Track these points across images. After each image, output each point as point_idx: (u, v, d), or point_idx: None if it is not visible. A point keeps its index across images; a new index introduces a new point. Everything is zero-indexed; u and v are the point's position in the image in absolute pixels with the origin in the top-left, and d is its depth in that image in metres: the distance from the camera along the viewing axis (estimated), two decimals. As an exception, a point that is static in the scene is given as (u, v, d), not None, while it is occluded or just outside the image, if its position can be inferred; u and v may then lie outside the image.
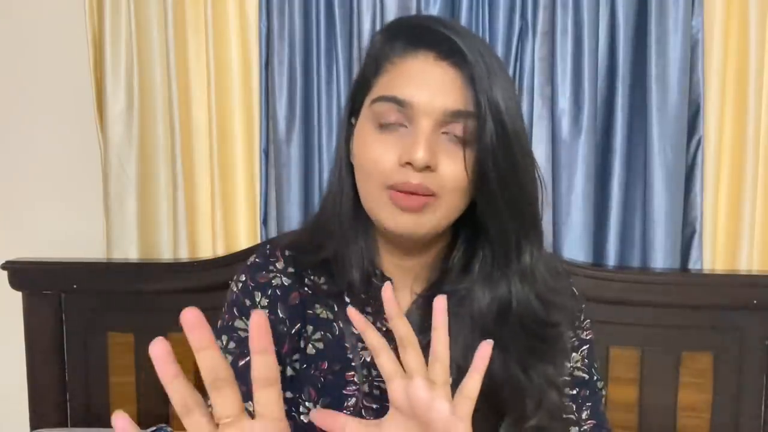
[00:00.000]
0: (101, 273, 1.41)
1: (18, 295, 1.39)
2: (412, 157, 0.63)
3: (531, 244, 0.70)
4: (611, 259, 1.37)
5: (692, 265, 1.36)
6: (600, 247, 1.38)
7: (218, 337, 0.75)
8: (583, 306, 0.81)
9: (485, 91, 0.64)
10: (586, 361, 0.80)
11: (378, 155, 0.66)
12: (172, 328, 1.39)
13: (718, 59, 1.32)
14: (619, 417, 1.31)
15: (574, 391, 0.78)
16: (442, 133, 0.66)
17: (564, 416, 0.74)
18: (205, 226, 1.45)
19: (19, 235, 1.52)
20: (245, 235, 1.44)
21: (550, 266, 0.74)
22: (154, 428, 1.30)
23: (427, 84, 0.65)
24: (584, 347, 0.80)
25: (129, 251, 1.45)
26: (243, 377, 0.70)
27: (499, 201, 0.67)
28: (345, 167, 0.72)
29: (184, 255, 1.45)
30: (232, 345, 0.73)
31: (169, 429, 1.31)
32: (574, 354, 0.79)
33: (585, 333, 0.81)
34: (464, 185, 0.66)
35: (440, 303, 0.60)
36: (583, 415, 0.78)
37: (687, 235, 1.36)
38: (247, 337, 0.67)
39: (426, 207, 0.66)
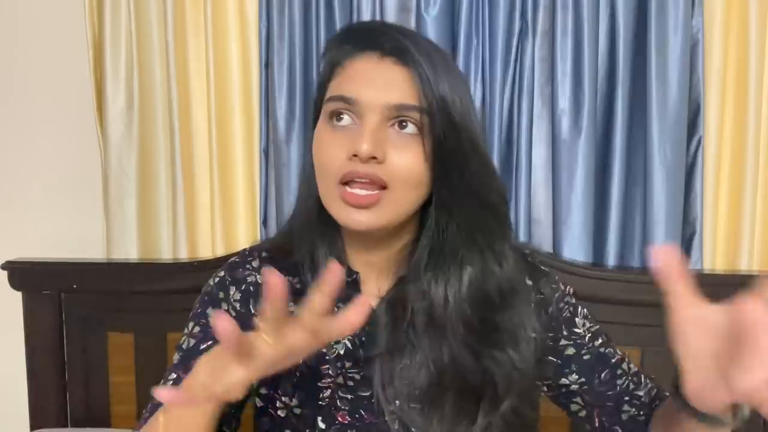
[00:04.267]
0: (101, 273, 1.41)
1: (18, 295, 1.39)
2: (357, 149, 0.67)
3: (491, 236, 0.73)
4: (611, 259, 1.37)
5: (692, 265, 1.35)
6: (600, 247, 1.38)
7: (187, 324, 0.79)
8: (566, 292, 0.84)
9: (430, 86, 0.68)
10: (591, 335, 0.83)
11: (330, 151, 0.70)
12: (171, 328, 1.40)
13: (718, 59, 1.32)
14: (619, 417, 1.31)
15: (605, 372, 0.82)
16: (390, 126, 0.69)
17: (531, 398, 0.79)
18: (205, 226, 1.45)
19: (19, 235, 1.52)
20: (245, 235, 1.44)
21: (517, 259, 0.78)
22: (154, 428, 1.30)
23: (372, 81, 0.69)
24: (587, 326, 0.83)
25: (129, 251, 1.45)
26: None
27: (454, 193, 0.71)
28: (311, 169, 0.75)
29: (184, 255, 1.45)
30: (197, 329, 0.77)
31: (169, 429, 1.30)
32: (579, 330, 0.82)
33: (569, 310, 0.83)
34: (415, 177, 0.69)
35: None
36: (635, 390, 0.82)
37: (687, 235, 1.36)
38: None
39: (377, 202, 0.68)
